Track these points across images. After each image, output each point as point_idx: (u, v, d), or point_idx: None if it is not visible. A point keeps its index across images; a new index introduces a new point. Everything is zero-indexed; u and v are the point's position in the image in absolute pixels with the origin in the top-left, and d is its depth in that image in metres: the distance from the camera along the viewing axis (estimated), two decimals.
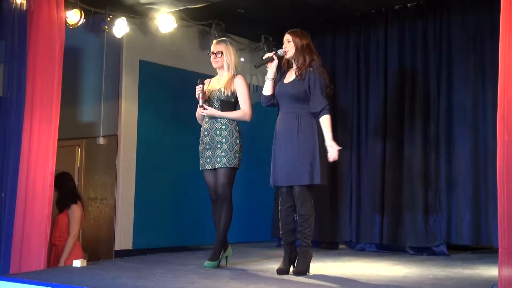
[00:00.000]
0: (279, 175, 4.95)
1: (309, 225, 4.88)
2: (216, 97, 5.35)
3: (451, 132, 6.78)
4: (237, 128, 5.35)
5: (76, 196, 6.61)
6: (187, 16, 7.50)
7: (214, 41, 5.56)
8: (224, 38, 5.72)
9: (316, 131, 4.89)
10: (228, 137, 5.27)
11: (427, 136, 6.87)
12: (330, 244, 7.37)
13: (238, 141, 5.31)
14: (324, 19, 7.59)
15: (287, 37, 5.08)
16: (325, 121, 4.88)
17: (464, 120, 6.71)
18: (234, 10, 7.33)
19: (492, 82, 6.23)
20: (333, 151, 4.84)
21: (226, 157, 5.23)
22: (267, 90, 5.10)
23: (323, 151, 4.89)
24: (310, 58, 5.02)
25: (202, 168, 5.39)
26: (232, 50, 5.44)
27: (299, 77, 4.95)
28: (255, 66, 5.24)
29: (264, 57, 5.14)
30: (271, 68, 5.08)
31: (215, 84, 5.46)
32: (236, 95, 5.35)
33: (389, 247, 6.91)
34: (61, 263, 6.26)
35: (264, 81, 5.20)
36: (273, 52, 5.10)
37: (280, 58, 5.12)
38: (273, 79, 5.10)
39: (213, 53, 5.42)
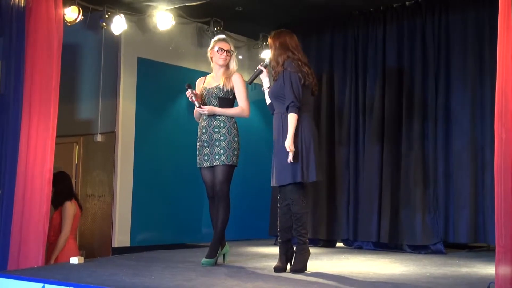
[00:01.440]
0: (272, 175, 5.01)
1: (303, 223, 4.89)
2: (214, 94, 5.36)
3: (449, 130, 6.79)
4: (235, 125, 5.36)
5: (70, 194, 6.56)
6: (185, 14, 7.50)
7: (220, 38, 5.53)
8: (227, 37, 5.75)
9: (299, 130, 4.88)
10: (227, 134, 5.28)
11: (425, 134, 6.87)
12: (327, 242, 7.37)
13: (236, 139, 5.32)
14: (322, 17, 7.59)
15: (269, 42, 5.22)
16: (289, 120, 4.87)
17: (461, 119, 6.71)
18: (232, 7, 7.33)
19: (490, 80, 6.26)
20: (289, 153, 4.80)
21: (225, 155, 5.24)
22: (266, 99, 5.20)
23: (309, 148, 4.89)
24: (283, 57, 5.02)
25: (200, 166, 5.39)
26: (234, 50, 5.50)
27: (276, 77, 5.01)
28: (248, 83, 5.30)
29: (255, 71, 5.21)
30: (264, 79, 5.19)
31: (211, 82, 5.46)
32: (234, 92, 5.37)
33: (386, 245, 6.92)
34: (51, 261, 6.22)
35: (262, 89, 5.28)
36: (260, 65, 5.17)
37: (267, 66, 5.19)
38: (269, 87, 5.16)
39: (225, 50, 5.41)
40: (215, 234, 5.29)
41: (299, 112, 4.87)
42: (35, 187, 5.53)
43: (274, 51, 5.07)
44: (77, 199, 6.67)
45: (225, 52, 5.40)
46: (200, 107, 5.30)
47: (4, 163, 5.59)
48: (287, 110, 4.87)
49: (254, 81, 5.34)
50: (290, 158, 4.79)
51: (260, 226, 7.96)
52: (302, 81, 4.94)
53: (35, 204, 5.51)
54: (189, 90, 5.31)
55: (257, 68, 5.18)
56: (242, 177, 7.33)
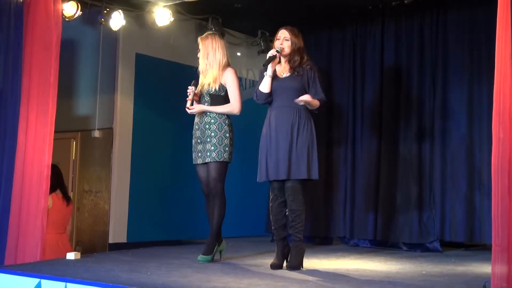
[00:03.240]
0: (276, 169, 4.93)
1: (301, 220, 4.89)
2: (205, 91, 5.37)
3: (446, 129, 6.79)
4: (226, 121, 5.34)
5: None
6: (184, 10, 7.49)
7: (199, 38, 5.54)
8: (210, 32, 5.72)
9: (313, 126, 4.93)
10: (217, 131, 5.28)
11: (422, 133, 6.88)
12: (324, 240, 7.38)
13: (228, 135, 5.31)
14: (321, 14, 7.58)
15: (285, 34, 5.05)
16: (317, 102, 4.94)
17: (459, 118, 6.72)
18: (231, 4, 7.32)
19: (488, 79, 6.26)
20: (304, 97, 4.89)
21: (216, 151, 5.24)
22: (266, 87, 5.02)
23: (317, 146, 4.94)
24: (306, 57, 5.07)
25: (195, 163, 5.41)
26: (219, 44, 5.43)
27: (296, 73, 4.96)
28: (263, 65, 5.12)
29: (268, 55, 5.05)
30: (272, 66, 5.04)
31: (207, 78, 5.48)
32: (226, 89, 5.36)
33: (383, 243, 6.93)
34: None
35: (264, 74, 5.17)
36: (275, 50, 5.05)
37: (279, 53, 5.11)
38: (271, 76, 5.07)
39: (200, 50, 5.46)
40: (211, 231, 5.29)
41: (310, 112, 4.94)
42: (33, 183, 5.52)
43: (297, 50, 5.02)
44: (63, 192, 6.50)
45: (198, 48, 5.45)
46: (188, 107, 5.32)
47: (2, 158, 5.58)
48: (321, 101, 4.95)
49: (252, 77, 5.32)
50: (303, 98, 4.85)
51: (257, 223, 7.97)
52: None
53: (33, 200, 5.49)
54: (192, 88, 5.33)
55: (272, 53, 5.01)
56: (239, 173, 7.34)
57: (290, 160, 4.87)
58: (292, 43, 5.02)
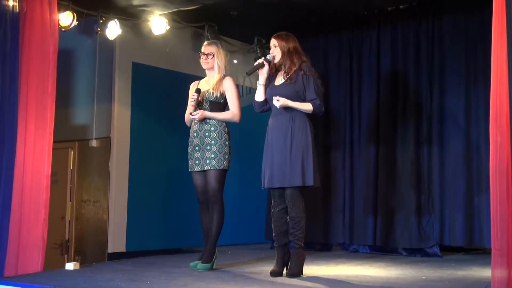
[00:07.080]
0: (272, 177, 4.95)
1: (301, 227, 4.89)
2: (205, 98, 5.38)
3: (444, 133, 6.80)
4: (226, 129, 5.37)
5: None
6: (180, 18, 7.49)
7: (206, 42, 5.62)
8: (215, 40, 5.75)
9: (309, 132, 4.92)
10: (217, 138, 5.29)
11: (420, 137, 6.89)
12: (323, 246, 7.38)
13: (227, 143, 5.34)
14: (317, 21, 7.61)
15: (273, 42, 5.10)
16: (305, 105, 4.92)
17: (456, 122, 6.73)
18: (227, 12, 7.33)
19: (484, 84, 6.27)
20: (279, 102, 4.87)
21: (216, 159, 5.25)
22: (260, 96, 5.11)
23: (316, 152, 4.93)
24: (300, 60, 5.03)
25: (191, 170, 5.42)
26: (223, 52, 5.49)
27: (289, 80, 4.96)
28: (247, 73, 5.25)
29: (255, 64, 5.14)
30: (262, 74, 5.08)
31: (204, 86, 5.50)
32: (225, 97, 5.38)
33: (382, 248, 6.93)
34: None
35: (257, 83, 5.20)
36: (263, 58, 5.09)
37: (270, 63, 5.10)
38: (264, 85, 5.10)
39: (204, 53, 5.46)
40: (210, 239, 5.29)
41: (308, 117, 4.92)
42: (33, 193, 5.51)
43: (288, 54, 5.01)
44: None
45: (205, 55, 5.44)
46: (191, 113, 5.34)
47: (0, 169, 5.56)
48: (313, 104, 4.89)
49: (249, 85, 5.34)
50: (280, 102, 4.85)
51: (256, 230, 7.96)
52: (322, 87, 5.02)
53: (33, 211, 5.48)
54: (196, 95, 5.34)
55: (259, 61, 5.09)
56: (238, 181, 7.33)
57: (284, 168, 4.87)
58: (280, 48, 5.04)
